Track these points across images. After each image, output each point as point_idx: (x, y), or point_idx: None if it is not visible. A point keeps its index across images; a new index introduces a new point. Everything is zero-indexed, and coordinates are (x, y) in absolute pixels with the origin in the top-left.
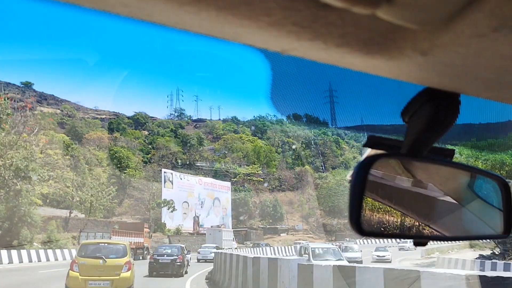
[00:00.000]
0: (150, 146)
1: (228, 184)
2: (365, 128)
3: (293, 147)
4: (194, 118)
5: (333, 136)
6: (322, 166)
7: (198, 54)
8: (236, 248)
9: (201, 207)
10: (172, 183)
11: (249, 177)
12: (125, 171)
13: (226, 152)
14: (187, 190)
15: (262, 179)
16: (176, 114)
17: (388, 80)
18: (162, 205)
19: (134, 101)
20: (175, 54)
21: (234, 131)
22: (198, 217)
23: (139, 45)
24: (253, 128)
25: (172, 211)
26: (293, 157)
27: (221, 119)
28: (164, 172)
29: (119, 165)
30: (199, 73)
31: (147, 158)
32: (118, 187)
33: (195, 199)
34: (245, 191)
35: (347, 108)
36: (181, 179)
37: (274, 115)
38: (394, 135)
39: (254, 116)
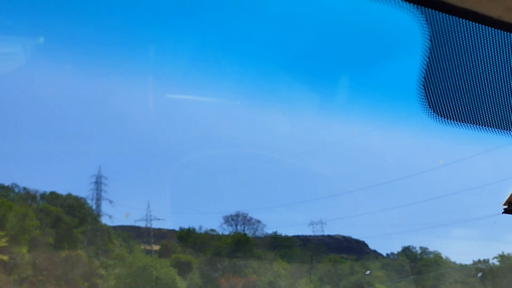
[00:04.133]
0: None
1: None
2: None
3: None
4: None
5: (105, 225)
6: (97, 253)
7: None
8: None
9: None
10: None
11: None
12: None
13: None
14: None
15: (7, 258)
16: None
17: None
18: None
19: None
20: None
21: None
22: None
23: None
24: None
25: None
26: (59, 235)
27: None
28: None
29: None
30: None
31: None
32: None
33: None
34: None
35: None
36: None
37: (24, 188)
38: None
39: None
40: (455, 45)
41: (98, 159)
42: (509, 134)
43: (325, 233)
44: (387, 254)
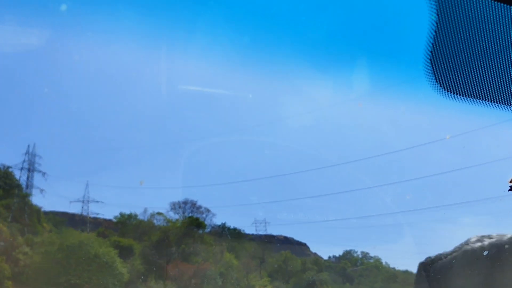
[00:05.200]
0: None
1: None
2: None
3: None
4: None
5: (35, 206)
6: (23, 232)
7: None
8: None
9: None
10: None
11: None
12: None
13: None
14: None
15: None
16: None
17: None
18: None
19: None
20: None
21: None
22: None
23: None
24: None
25: None
26: None
27: None
28: None
29: None
30: None
31: None
32: None
33: None
34: None
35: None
36: None
37: None
38: None
39: None
40: (462, 19)
41: (36, 135)
42: None
43: (268, 233)
44: (329, 257)
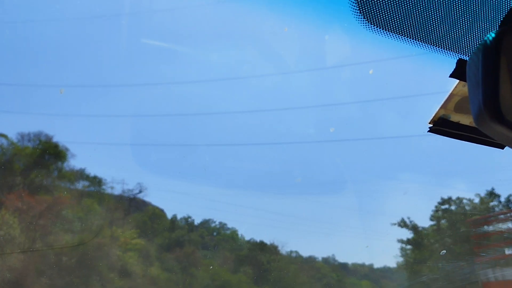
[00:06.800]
0: None
1: None
2: None
3: None
4: None
5: None
6: None
7: None
8: None
9: None
10: None
11: None
12: None
13: None
14: None
15: None
16: None
17: None
18: None
19: None
20: None
21: None
22: None
23: None
24: None
25: None
26: None
27: None
28: None
29: None
30: None
31: None
32: None
33: None
34: None
35: None
36: None
37: None
38: None
39: None
40: None
41: None
42: (445, 53)
43: (125, 194)
44: (185, 224)
